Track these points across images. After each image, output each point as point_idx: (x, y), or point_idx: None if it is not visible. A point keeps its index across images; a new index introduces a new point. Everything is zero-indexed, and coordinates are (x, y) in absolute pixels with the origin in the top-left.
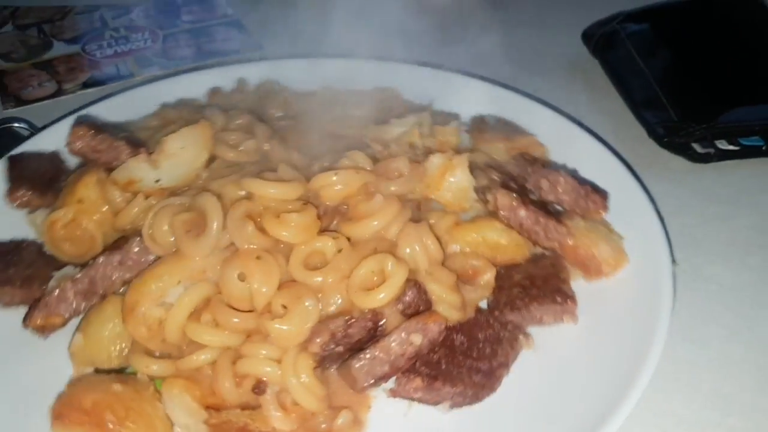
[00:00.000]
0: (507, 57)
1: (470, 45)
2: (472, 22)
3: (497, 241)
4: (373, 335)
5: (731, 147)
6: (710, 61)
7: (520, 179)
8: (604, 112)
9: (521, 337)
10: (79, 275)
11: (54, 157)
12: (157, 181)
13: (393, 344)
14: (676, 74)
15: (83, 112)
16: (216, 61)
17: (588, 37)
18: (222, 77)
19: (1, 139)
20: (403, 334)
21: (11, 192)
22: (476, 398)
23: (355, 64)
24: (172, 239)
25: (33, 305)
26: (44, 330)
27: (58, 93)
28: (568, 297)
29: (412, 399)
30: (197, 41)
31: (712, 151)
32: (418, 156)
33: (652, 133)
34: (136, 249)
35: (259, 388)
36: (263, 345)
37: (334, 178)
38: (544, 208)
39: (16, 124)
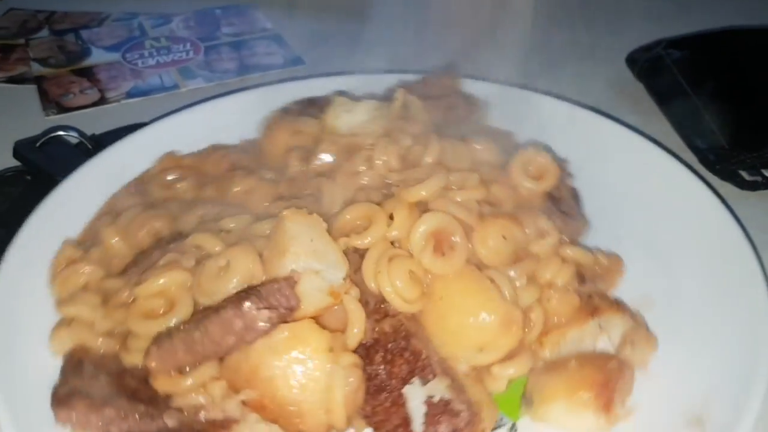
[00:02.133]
0: (551, 78)
1: (513, 67)
2: (514, 44)
3: None
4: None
5: None
6: (756, 89)
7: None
8: (653, 136)
9: None
10: (447, 389)
11: None
12: (342, 277)
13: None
14: (724, 101)
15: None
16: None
17: (632, 61)
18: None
19: (48, 147)
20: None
21: None
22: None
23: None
24: (414, 294)
25: None
26: None
27: (102, 101)
28: None
29: None
30: (239, 54)
31: (759, 179)
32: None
33: (704, 160)
34: (405, 326)
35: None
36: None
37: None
38: None
39: (63, 132)
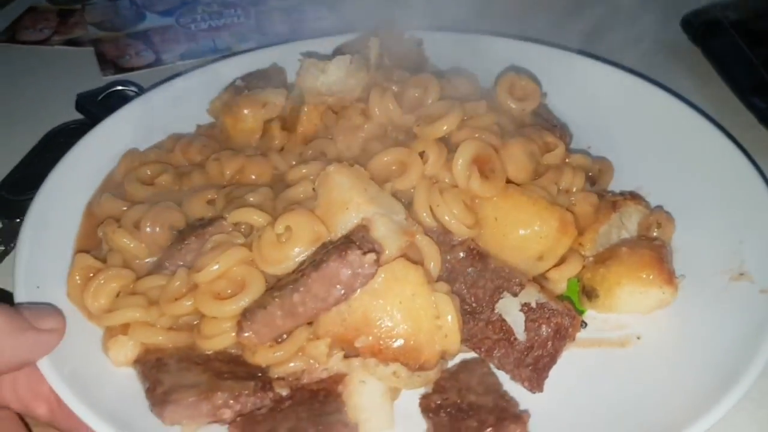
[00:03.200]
0: (605, 43)
1: (566, 31)
2: (567, 8)
3: None
4: None
5: None
6: None
7: None
8: (709, 98)
9: None
10: (539, 293)
11: None
12: (405, 218)
13: None
14: None
15: None
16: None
17: (688, 24)
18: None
19: (108, 101)
20: None
21: None
22: None
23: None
24: (472, 219)
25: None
26: None
27: (157, 63)
28: None
29: None
30: (289, 19)
31: None
32: None
33: (764, 119)
34: (477, 249)
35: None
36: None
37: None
38: None
39: (123, 87)
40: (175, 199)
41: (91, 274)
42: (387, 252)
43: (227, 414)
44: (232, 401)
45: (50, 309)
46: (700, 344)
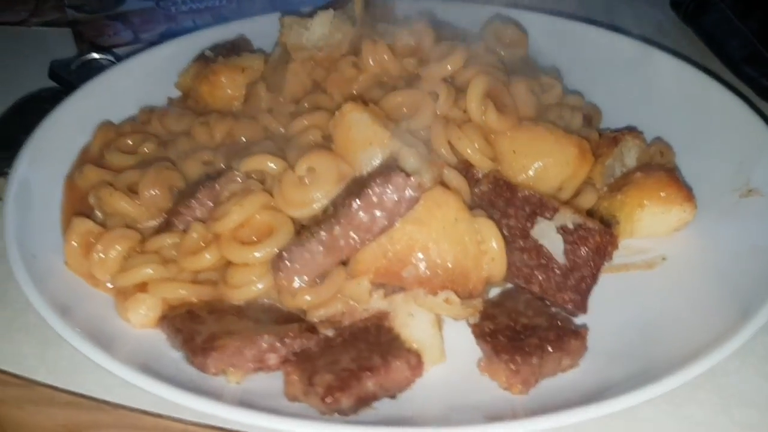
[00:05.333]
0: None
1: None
2: None
3: None
4: None
5: None
6: None
7: None
8: None
9: None
10: (575, 215)
11: None
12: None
13: None
14: None
15: None
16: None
17: (677, 4)
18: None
19: (82, 70)
20: None
21: None
22: None
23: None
24: (493, 152)
25: None
26: None
27: (135, 41)
28: None
29: None
30: (273, 2)
31: None
32: None
33: (757, 86)
34: (502, 179)
35: None
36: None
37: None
38: None
39: (97, 55)
40: (178, 159)
41: (92, 239)
42: (423, 182)
43: (273, 360)
44: (278, 344)
45: None
46: (730, 256)
